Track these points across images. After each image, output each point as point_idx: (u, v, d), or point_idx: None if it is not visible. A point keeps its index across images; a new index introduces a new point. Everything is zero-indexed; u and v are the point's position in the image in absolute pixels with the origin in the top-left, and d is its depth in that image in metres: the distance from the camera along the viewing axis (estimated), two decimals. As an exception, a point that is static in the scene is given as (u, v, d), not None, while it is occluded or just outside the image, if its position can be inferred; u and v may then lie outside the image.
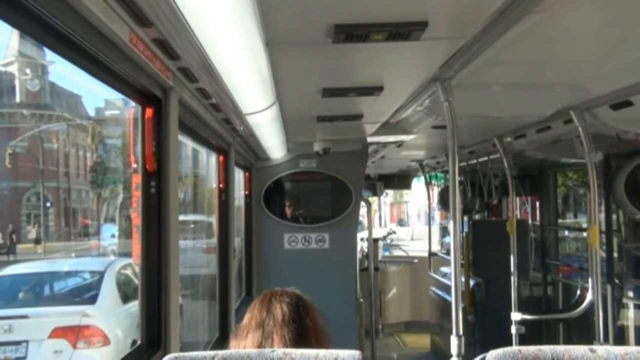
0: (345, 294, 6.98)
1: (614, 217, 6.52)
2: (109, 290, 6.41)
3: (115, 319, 5.79)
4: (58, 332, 5.89)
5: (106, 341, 5.74)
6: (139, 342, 3.03)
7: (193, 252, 5.95)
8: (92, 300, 6.51)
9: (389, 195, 39.09)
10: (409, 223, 44.84)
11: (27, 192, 23.31)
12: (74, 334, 5.78)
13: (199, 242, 6.08)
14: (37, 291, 7.13)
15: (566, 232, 9.12)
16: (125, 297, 6.41)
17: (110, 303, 6.27)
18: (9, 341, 5.79)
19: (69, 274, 7.47)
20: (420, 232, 10.37)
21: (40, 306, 6.70)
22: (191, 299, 5.23)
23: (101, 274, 6.71)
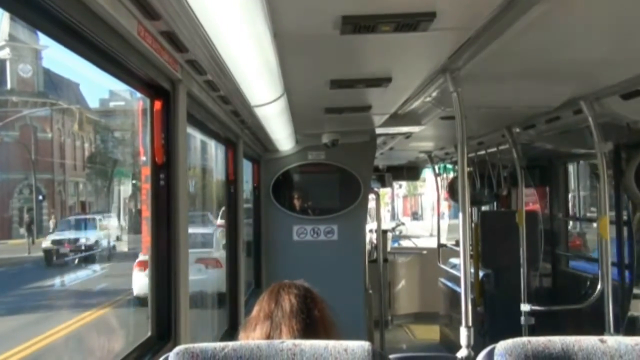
0: (355, 285, 6.99)
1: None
2: (216, 241, 12.02)
3: (222, 255, 9.09)
4: (199, 261, 10.97)
5: (221, 266, 9.51)
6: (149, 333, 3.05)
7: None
8: (211, 245, 12.16)
9: (402, 187, 38.53)
10: (424, 216, 43.72)
11: (19, 185, 23.44)
12: (205, 261, 10.75)
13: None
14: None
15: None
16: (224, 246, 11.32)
17: (218, 247, 11.72)
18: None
19: (196, 234, 13.71)
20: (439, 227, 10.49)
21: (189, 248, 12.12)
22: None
23: (212, 234, 12.30)
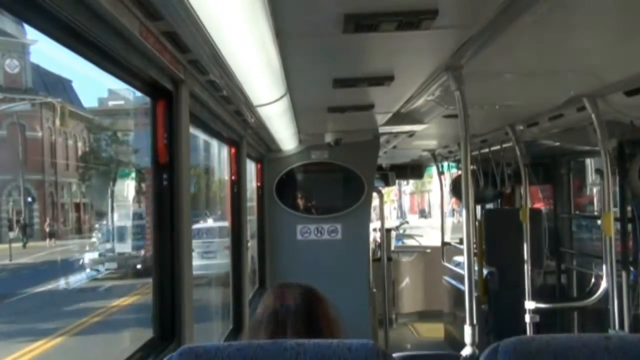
0: (358, 284, 6.99)
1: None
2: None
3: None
4: (227, 248, 13.17)
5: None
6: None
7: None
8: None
9: (409, 184, 38.15)
10: (432, 214, 43.01)
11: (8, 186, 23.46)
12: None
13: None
14: (215, 232, 16.07)
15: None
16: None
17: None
18: (208, 251, 13.73)
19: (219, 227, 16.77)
20: (450, 225, 10.30)
21: (219, 237, 14.93)
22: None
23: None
